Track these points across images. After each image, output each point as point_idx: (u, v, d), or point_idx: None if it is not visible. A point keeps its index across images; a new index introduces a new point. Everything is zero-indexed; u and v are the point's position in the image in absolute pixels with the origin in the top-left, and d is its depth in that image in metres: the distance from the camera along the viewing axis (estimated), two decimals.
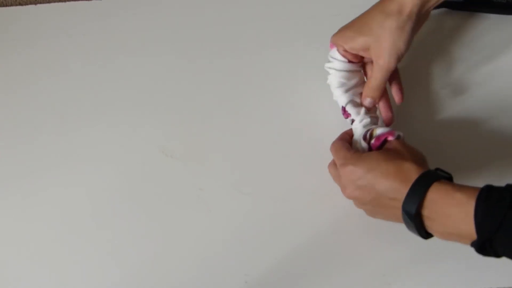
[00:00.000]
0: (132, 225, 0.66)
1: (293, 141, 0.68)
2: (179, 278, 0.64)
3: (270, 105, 0.70)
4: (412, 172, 0.52)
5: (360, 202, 0.58)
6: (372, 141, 0.60)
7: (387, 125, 0.64)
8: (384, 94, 0.63)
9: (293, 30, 0.74)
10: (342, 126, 0.64)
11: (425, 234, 0.52)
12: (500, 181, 0.50)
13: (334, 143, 0.62)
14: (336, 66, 0.63)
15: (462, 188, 0.50)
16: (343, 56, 0.62)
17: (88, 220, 0.67)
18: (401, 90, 0.64)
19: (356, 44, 0.60)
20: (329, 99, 0.65)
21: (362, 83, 0.64)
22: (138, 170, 0.69)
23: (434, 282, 0.62)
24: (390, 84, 0.64)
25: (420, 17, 0.59)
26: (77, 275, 0.65)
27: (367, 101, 0.62)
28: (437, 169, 0.54)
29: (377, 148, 0.59)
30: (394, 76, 0.63)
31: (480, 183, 0.49)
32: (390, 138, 0.58)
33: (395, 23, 0.57)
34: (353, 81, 0.63)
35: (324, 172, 0.65)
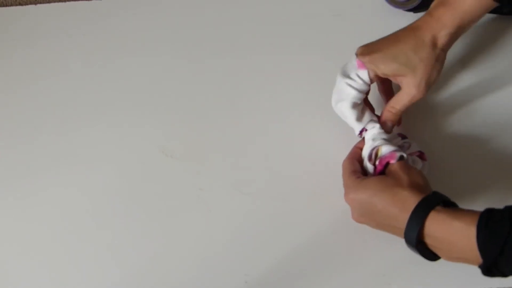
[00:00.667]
0: (132, 225, 0.66)
1: (293, 141, 0.68)
2: (179, 278, 0.64)
3: (270, 105, 0.70)
4: (410, 201, 0.53)
5: (369, 226, 0.59)
6: (377, 163, 0.60)
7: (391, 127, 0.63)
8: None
9: (293, 30, 0.74)
10: (342, 126, 0.64)
11: (433, 257, 0.53)
12: (503, 197, 0.50)
13: (343, 165, 0.62)
14: (359, 87, 0.61)
15: (459, 215, 0.50)
16: (370, 78, 0.61)
17: (88, 220, 0.67)
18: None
19: (390, 70, 0.59)
20: (329, 100, 0.65)
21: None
22: (138, 170, 0.69)
23: (434, 282, 0.62)
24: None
25: (446, 52, 0.60)
26: (77, 275, 0.65)
27: (387, 125, 0.62)
28: (434, 192, 0.54)
29: (380, 172, 0.59)
30: (388, 87, 0.65)
31: (483, 199, 0.50)
32: (392, 161, 0.58)
33: (432, 55, 0.58)
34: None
35: (324, 172, 0.65)
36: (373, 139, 0.61)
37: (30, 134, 0.71)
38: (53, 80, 0.74)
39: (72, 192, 0.68)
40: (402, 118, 0.65)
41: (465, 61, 0.70)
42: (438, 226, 0.50)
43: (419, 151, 0.63)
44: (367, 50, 0.60)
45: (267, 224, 0.65)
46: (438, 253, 0.52)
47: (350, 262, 0.63)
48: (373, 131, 0.61)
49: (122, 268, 0.65)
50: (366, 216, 0.57)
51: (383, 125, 0.62)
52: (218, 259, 0.64)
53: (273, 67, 0.72)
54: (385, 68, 0.59)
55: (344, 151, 0.63)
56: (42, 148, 0.70)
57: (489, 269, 0.48)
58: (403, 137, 0.64)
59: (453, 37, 0.58)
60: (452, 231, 0.49)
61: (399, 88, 0.61)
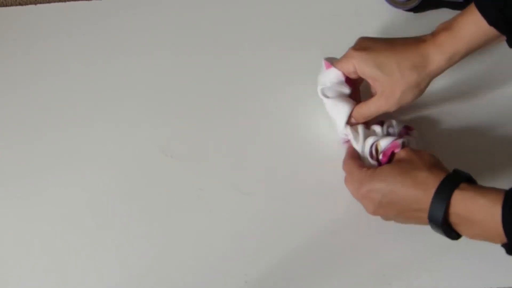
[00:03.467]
0: (132, 225, 0.66)
1: (293, 141, 0.68)
2: (179, 278, 0.64)
3: (271, 105, 0.70)
4: (430, 181, 0.52)
5: (385, 218, 0.58)
6: (380, 157, 0.60)
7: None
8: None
9: (293, 30, 0.74)
10: None
11: (456, 236, 0.53)
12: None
13: (346, 163, 0.61)
14: (329, 93, 0.62)
15: (484, 192, 0.50)
16: (344, 73, 0.62)
17: (88, 220, 0.67)
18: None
19: (369, 72, 0.59)
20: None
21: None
22: (138, 170, 0.69)
23: (434, 282, 0.62)
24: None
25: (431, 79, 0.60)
26: (77, 275, 0.65)
27: (352, 121, 0.63)
28: (454, 170, 0.54)
29: (386, 163, 0.59)
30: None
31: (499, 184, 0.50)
32: (397, 150, 0.58)
33: (415, 78, 0.58)
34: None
35: (324, 172, 0.65)
36: (365, 139, 0.61)
37: (30, 134, 0.71)
38: (53, 80, 0.73)
39: (72, 192, 0.68)
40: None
41: None
42: (463, 203, 0.50)
43: (404, 126, 0.63)
44: (363, 46, 0.60)
45: (267, 224, 0.65)
46: (461, 231, 0.52)
47: (350, 262, 0.63)
48: (360, 131, 0.62)
49: (122, 268, 0.65)
50: (385, 206, 0.56)
51: (350, 120, 0.63)
52: (218, 259, 0.64)
53: (273, 67, 0.72)
54: (367, 70, 0.59)
55: (345, 151, 0.63)
56: (42, 148, 0.70)
57: None
58: (381, 123, 0.63)
59: (447, 63, 0.58)
60: (477, 209, 0.49)
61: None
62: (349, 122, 0.63)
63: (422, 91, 0.59)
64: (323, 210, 0.65)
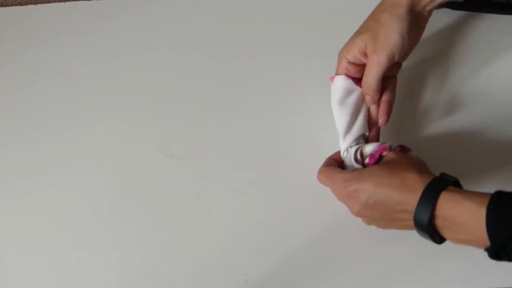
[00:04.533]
0: (132, 225, 0.66)
1: (293, 141, 0.68)
2: (179, 278, 0.64)
3: (271, 105, 0.70)
4: (417, 182, 0.52)
5: (370, 220, 0.58)
6: (366, 161, 0.59)
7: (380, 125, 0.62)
8: (385, 95, 0.61)
9: (292, 30, 0.74)
10: None
11: (439, 240, 0.53)
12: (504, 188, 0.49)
13: (322, 171, 0.60)
14: (341, 93, 0.60)
15: (471, 195, 0.49)
16: (346, 74, 0.60)
17: (88, 220, 0.67)
18: (388, 111, 0.61)
19: (356, 47, 0.58)
20: (329, 100, 0.65)
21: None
22: (138, 170, 0.69)
23: (434, 282, 0.62)
24: (380, 97, 0.61)
25: (418, 14, 0.57)
26: (77, 276, 0.65)
27: (368, 99, 0.61)
28: (442, 174, 0.54)
29: (373, 165, 0.58)
30: (387, 92, 0.61)
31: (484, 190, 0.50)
32: (385, 153, 0.58)
33: (390, 15, 0.56)
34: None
35: None
36: (350, 147, 0.60)
37: (30, 134, 0.71)
38: (53, 80, 0.73)
39: (72, 192, 0.68)
40: (388, 114, 0.62)
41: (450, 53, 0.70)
42: (449, 205, 0.50)
43: (400, 146, 0.62)
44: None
45: (267, 224, 0.65)
46: (446, 234, 0.51)
47: (350, 262, 0.63)
48: (348, 140, 0.60)
49: (122, 268, 0.65)
50: (371, 206, 0.55)
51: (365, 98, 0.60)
52: (218, 259, 0.64)
53: (273, 67, 0.72)
54: (351, 47, 0.58)
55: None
56: (42, 148, 0.70)
57: (497, 252, 0.47)
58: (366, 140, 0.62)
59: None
60: (463, 211, 0.49)
61: None
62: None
63: (405, 29, 0.56)
64: (323, 210, 0.65)
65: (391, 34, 0.56)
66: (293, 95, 0.70)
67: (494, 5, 0.70)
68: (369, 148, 0.59)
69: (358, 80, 0.61)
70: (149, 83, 0.73)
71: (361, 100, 0.61)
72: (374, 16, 0.58)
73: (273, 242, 0.65)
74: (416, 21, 0.58)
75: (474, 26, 0.72)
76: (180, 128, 0.70)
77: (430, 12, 0.59)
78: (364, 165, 0.59)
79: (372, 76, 0.58)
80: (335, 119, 0.61)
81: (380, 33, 0.56)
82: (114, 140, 0.70)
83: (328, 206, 0.65)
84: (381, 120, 0.61)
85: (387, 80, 0.61)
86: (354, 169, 0.59)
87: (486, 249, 0.48)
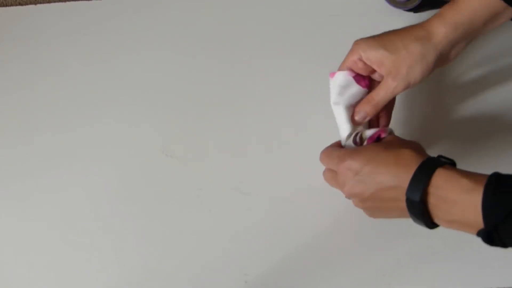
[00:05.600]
0: (132, 225, 0.66)
1: (293, 141, 0.68)
2: (179, 278, 0.64)
3: (271, 105, 0.70)
4: (414, 159, 0.51)
5: (360, 199, 0.56)
6: (365, 143, 0.59)
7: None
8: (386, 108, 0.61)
9: (292, 30, 0.74)
10: None
11: (430, 223, 0.51)
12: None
13: (323, 151, 0.60)
14: (339, 100, 0.60)
15: (468, 174, 0.48)
16: (351, 69, 0.60)
17: (88, 220, 0.67)
18: (388, 120, 0.62)
19: (375, 55, 0.57)
20: (329, 99, 0.65)
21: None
22: (138, 170, 0.69)
23: (434, 282, 0.62)
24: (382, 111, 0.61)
25: (445, 54, 0.57)
26: (78, 275, 0.65)
27: (360, 115, 0.60)
28: (439, 156, 0.52)
29: None
30: (389, 103, 0.61)
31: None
32: (383, 135, 0.58)
33: (419, 48, 0.56)
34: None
35: None
36: (351, 134, 0.60)
37: (30, 134, 0.71)
38: (53, 80, 0.73)
39: (72, 193, 0.68)
40: (389, 118, 0.62)
41: None
42: (445, 182, 0.48)
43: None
44: (365, 38, 0.59)
45: (267, 224, 0.65)
46: (438, 214, 0.49)
47: (350, 262, 0.63)
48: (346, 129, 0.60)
49: (122, 268, 0.65)
50: (362, 182, 0.53)
51: (356, 114, 0.60)
52: (218, 259, 0.65)
53: (273, 67, 0.72)
54: (370, 51, 0.57)
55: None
56: (41, 148, 0.70)
57: (490, 236, 0.45)
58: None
59: (451, 33, 0.56)
60: (458, 189, 0.47)
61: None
62: (352, 117, 0.60)
63: (429, 65, 0.56)
64: (323, 210, 0.65)
65: (415, 70, 0.56)
66: (293, 95, 0.70)
67: None
68: (369, 133, 0.59)
69: (361, 77, 0.61)
70: (149, 83, 0.73)
71: (360, 97, 0.61)
72: (405, 38, 0.57)
73: (273, 242, 0.65)
74: (440, 60, 0.58)
75: (484, 33, 0.72)
76: (180, 128, 0.70)
77: (454, 58, 0.59)
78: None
79: (382, 98, 0.58)
80: (335, 115, 0.61)
81: (404, 63, 0.56)
82: (114, 140, 0.70)
83: (328, 206, 0.65)
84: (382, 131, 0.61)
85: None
86: None
87: (479, 233, 0.47)
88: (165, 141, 0.70)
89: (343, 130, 0.60)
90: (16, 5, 0.78)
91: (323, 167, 0.64)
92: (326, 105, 0.65)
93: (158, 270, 0.65)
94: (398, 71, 0.57)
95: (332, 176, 0.59)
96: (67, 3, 0.77)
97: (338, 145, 0.61)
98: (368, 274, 0.63)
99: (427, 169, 0.49)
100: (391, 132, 0.59)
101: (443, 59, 0.58)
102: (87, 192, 0.68)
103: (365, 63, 0.59)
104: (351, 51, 0.60)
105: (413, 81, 0.57)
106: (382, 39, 0.58)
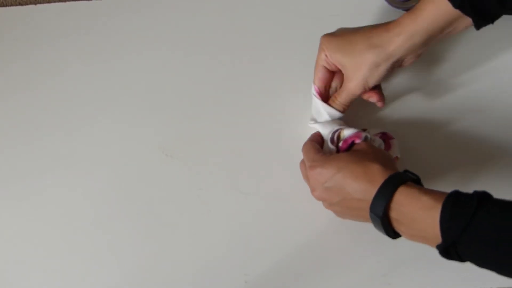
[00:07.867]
0: (132, 225, 0.66)
1: (293, 141, 0.68)
2: (179, 278, 0.64)
3: (271, 106, 0.70)
4: (380, 174, 0.53)
5: (328, 203, 0.59)
6: (340, 144, 0.61)
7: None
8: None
9: (292, 30, 0.74)
10: None
11: (393, 234, 0.53)
12: (466, 185, 0.50)
13: (304, 144, 0.62)
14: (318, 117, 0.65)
15: (428, 192, 0.50)
16: (324, 66, 0.63)
17: (88, 220, 0.67)
18: (382, 96, 0.64)
19: (335, 57, 0.61)
20: None
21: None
22: (138, 170, 0.69)
23: (434, 282, 0.62)
24: (371, 90, 0.64)
25: (401, 60, 0.60)
26: (78, 275, 0.65)
27: (334, 111, 0.64)
28: (405, 171, 0.55)
29: (344, 150, 0.60)
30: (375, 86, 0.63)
31: (447, 187, 0.50)
32: (357, 140, 0.59)
33: (373, 58, 0.58)
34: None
35: None
36: (332, 121, 0.63)
37: (30, 134, 0.71)
38: (53, 80, 0.73)
39: (72, 193, 0.68)
40: (379, 95, 0.64)
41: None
42: (406, 199, 0.51)
43: (382, 132, 0.64)
44: (334, 32, 0.62)
45: (267, 224, 0.65)
46: (400, 228, 0.52)
47: (350, 262, 0.63)
48: (331, 112, 0.63)
49: (122, 268, 0.65)
50: (330, 190, 0.56)
51: (331, 102, 0.64)
52: (218, 259, 0.65)
53: (274, 68, 0.72)
54: (332, 53, 0.61)
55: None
56: (41, 149, 0.70)
57: (447, 250, 0.48)
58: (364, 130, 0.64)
59: (406, 43, 0.58)
60: (418, 206, 0.50)
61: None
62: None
63: (382, 73, 0.60)
64: (323, 210, 0.64)
65: (370, 77, 0.60)
66: (293, 96, 0.70)
67: None
68: (347, 132, 0.60)
69: (332, 73, 0.64)
70: (150, 83, 0.73)
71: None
72: (363, 42, 0.59)
73: (273, 242, 0.65)
74: (397, 66, 0.61)
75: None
76: (180, 128, 0.70)
77: (412, 62, 0.61)
78: (338, 148, 0.61)
79: (344, 100, 0.63)
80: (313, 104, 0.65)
81: (360, 70, 0.60)
82: (114, 140, 0.70)
83: None
84: (380, 104, 0.64)
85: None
86: (329, 151, 0.61)
87: (437, 247, 0.48)
88: (165, 141, 0.70)
89: (323, 119, 0.64)
90: (16, 5, 0.78)
91: None
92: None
93: (158, 270, 0.65)
94: (354, 76, 0.60)
95: (305, 174, 0.61)
96: (67, 3, 0.77)
97: (320, 137, 0.63)
98: (368, 274, 0.63)
99: (390, 186, 0.52)
100: (365, 139, 0.60)
101: (400, 64, 0.61)
102: (87, 191, 0.68)
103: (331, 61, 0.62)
104: (320, 49, 0.63)
105: (368, 85, 0.61)
106: (344, 39, 0.61)
